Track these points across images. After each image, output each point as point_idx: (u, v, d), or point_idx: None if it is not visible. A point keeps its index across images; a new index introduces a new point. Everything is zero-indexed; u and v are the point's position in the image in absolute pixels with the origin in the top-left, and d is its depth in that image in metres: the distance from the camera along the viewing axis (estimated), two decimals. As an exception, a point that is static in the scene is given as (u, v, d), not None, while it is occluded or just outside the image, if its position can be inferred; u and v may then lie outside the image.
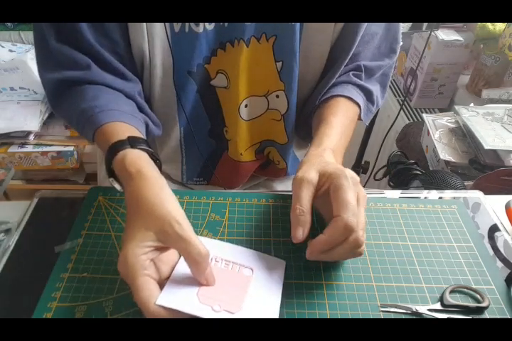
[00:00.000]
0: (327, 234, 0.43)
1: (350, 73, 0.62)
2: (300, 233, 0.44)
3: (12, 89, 1.44)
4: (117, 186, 0.47)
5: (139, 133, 0.51)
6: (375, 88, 0.65)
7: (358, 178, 0.46)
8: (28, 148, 1.37)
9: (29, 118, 1.36)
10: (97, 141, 0.50)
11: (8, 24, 1.54)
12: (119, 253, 0.39)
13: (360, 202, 0.45)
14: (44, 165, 1.40)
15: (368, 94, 0.64)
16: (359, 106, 0.62)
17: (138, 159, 0.45)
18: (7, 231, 0.53)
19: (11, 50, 1.48)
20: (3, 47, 1.48)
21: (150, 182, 0.42)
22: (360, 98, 0.62)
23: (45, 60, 0.56)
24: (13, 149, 1.36)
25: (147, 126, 0.57)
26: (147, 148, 0.47)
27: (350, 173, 0.46)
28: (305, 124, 0.68)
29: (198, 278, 0.41)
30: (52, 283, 0.45)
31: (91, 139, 0.51)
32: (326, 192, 0.46)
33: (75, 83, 0.54)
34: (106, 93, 0.53)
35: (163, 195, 0.42)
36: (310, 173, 0.46)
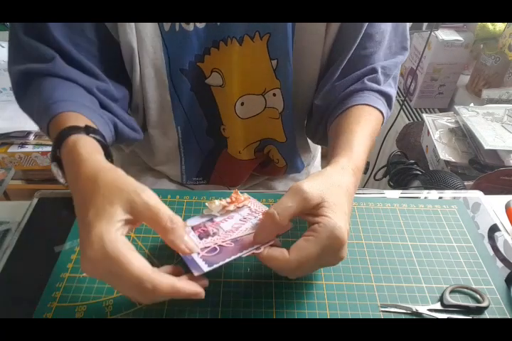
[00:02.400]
0: (267, 261, 0.41)
1: (365, 79, 0.58)
2: (261, 238, 0.42)
3: (12, 89, 1.44)
4: (59, 175, 0.43)
5: (95, 126, 0.47)
6: (393, 90, 0.61)
7: (342, 242, 0.40)
8: (28, 148, 1.37)
9: (29, 119, 1.35)
10: (50, 131, 0.47)
11: (8, 24, 1.54)
12: (86, 240, 0.34)
13: (324, 261, 0.41)
14: (44, 165, 1.40)
15: (388, 99, 0.60)
16: (381, 112, 0.58)
17: (91, 146, 0.41)
18: (7, 231, 0.53)
19: (11, 50, 1.48)
20: (3, 47, 1.48)
21: (104, 164, 0.40)
22: (380, 103, 0.58)
23: (15, 52, 0.55)
24: (13, 149, 1.36)
25: (115, 126, 0.54)
26: (102, 140, 0.44)
27: (339, 232, 0.39)
28: (317, 128, 0.65)
29: (178, 248, 0.38)
30: (53, 283, 0.46)
31: (46, 131, 0.48)
32: (308, 221, 0.42)
33: (37, 76, 0.52)
34: (67, 86, 0.50)
35: (120, 171, 0.39)
36: (313, 193, 0.41)
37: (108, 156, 0.44)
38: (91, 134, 0.43)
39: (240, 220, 0.47)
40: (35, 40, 0.51)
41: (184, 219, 0.53)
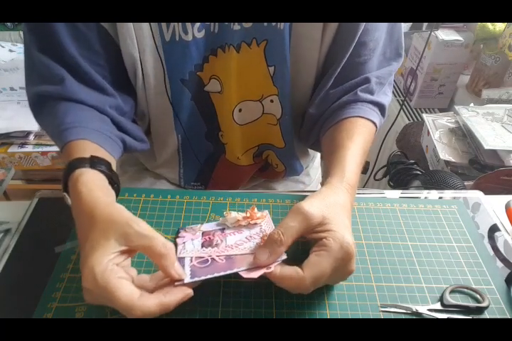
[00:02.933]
0: (280, 282, 0.41)
1: (358, 90, 0.58)
2: (264, 256, 0.41)
3: (12, 89, 1.44)
4: (69, 202, 0.45)
5: (104, 150, 0.50)
6: (387, 99, 0.62)
7: (352, 254, 0.41)
8: (28, 148, 1.37)
9: (29, 118, 1.34)
10: (63, 158, 0.50)
11: (8, 24, 1.55)
12: (82, 272, 0.37)
13: (337, 274, 0.42)
14: (44, 165, 1.40)
15: (382, 109, 0.61)
16: (373, 123, 0.58)
17: (93, 181, 0.44)
18: (7, 231, 0.53)
19: (11, 50, 1.48)
20: (3, 47, 1.48)
21: (102, 200, 0.42)
22: (374, 114, 0.59)
23: (29, 72, 0.56)
24: (13, 149, 1.36)
25: (124, 142, 0.56)
26: (106, 171, 0.46)
27: (347, 244, 0.41)
28: (309, 135, 0.66)
29: (168, 273, 0.40)
30: (53, 284, 0.46)
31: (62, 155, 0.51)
32: (314, 239, 0.43)
33: (50, 98, 0.53)
34: (77, 109, 0.52)
35: (116, 207, 0.42)
36: (313, 212, 0.42)
37: (114, 183, 0.47)
38: (95, 167, 0.46)
39: (246, 238, 0.47)
40: (47, 57, 0.52)
41: (184, 219, 0.53)
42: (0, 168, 1.23)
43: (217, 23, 0.54)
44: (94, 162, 0.46)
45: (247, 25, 0.55)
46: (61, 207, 0.55)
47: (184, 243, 0.48)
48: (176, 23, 0.53)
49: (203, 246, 0.47)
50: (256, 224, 0.49)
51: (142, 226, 0.39)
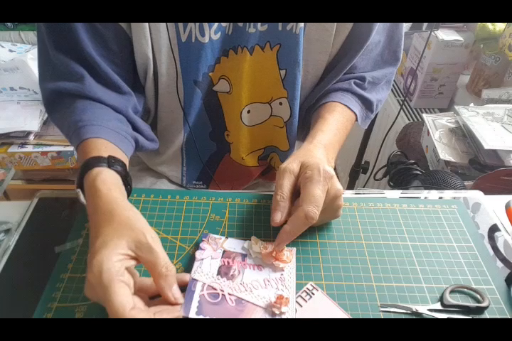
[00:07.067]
0: (290, 225, 0.46)
1: (352, 81, 0.62)
2: (278, 216, 0.47)
3: (12, 89, 1.44)
4: (82, 198, 0.46)
5: (119, 151, 0.51)
6: (377, 97, 0.65)
7: (331, 173, 0.48)
8: (28, 148, 1.37)
9: (29, 119, 1.36)
10: (78, 154, 0.51)
11: (8, 24, 1.54)
12: (89, 264, 0.38)
13: (329, 196, 0.48)
14: (44, 165, 1.40)
15: (368, 104, 0.65)
16: (355, 114, 0.63)
17: (110, 180, 0.45)
18: (7, 231, 0.53)
19: (11, 50, 1.48)
20: (3, 47, 1.48)
21: (120, 202, 0.43)
22: (357, 107, 0.63)
23: (45, 69, 0.56)
24: (13, 149, 1.36)
25: (137, 141, 0.57)
26: (122, 171, 0.47)
27: (324, 167, 0.48)
28: (303, 128, 0.69)
29: (165, 294, 0.40)
30: (53, 284, 0.46)
31: (75, 151, 0.53)
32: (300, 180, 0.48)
33: (67, 95, 0.54)
34: (94, 107, 0.53)
35: (134, 211, 0.42)
36: (292, 164, 0.49)
37: (127, 184, 0.48)
38: (112, 167, 0.47)
39: (263, 281, 0.45)
40: (65, 56, 0.52)
41: (184, 219, 0.53)
42: (0, 168, 1.23)
43: (232, 25, 0.55)
44: (112, 162, 0.47)
45: (263, 28, 0.55)
46: (61, 207, 0.56)
47: (202, 260, 0.47)
48: (192, 24, 0.53)
49: (219, 272, 0.45)
50: (279, 267, 0.47)
51: (154, 239, 0.40)
